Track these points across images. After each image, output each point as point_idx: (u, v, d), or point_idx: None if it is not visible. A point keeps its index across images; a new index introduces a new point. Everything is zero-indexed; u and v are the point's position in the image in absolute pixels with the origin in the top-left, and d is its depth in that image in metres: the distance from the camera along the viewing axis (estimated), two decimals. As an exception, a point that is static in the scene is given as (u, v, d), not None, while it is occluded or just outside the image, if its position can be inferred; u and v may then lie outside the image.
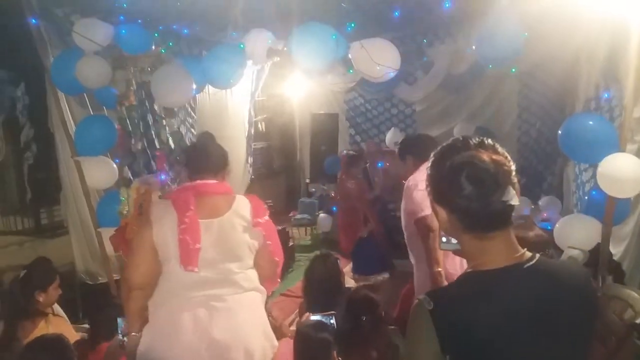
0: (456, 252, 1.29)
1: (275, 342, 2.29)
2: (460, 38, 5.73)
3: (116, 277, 4.42)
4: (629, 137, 3.11)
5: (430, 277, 2.97)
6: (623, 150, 2.87)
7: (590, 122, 2.99)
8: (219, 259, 2.11)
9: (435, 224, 2.81)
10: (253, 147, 7.33)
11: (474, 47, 3.50)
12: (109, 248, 3.94)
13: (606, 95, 3.80)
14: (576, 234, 3.06)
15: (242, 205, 2.22)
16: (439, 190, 1.22)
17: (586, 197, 4.25)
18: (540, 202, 5.70)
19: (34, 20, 3.60)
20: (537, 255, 1.18)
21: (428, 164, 3.12)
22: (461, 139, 1.22)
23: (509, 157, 1.19)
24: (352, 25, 3.47)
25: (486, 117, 6.48)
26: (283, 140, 8.53)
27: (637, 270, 3.48)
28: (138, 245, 2.17)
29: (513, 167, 1.17)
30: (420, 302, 1.17)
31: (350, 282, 5.02)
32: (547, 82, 6.01)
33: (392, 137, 6.81)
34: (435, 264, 2.88)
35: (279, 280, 2.46)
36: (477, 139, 1.19)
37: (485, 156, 1.15)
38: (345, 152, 7.26)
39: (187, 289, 2.08)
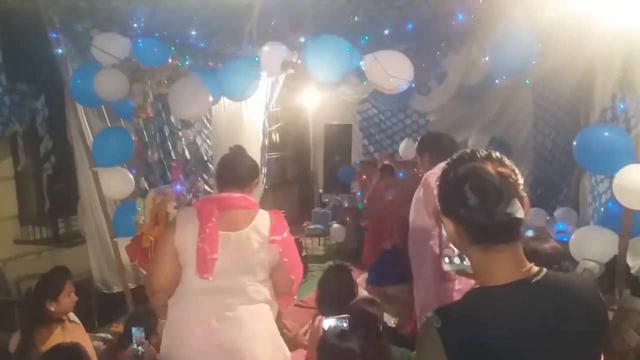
0: (459, 272, 1.31)
1: (288, 353, 2.33)
2: (474, 48, 5.74)
3: (131, 286, 4.48)
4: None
5: (437, 289, 2.96)
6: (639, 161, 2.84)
7: (606, 133, 2.97)
8: (233, 270, 2.19)
9: None
10: (267, 157, 7.39)
11: (487, 58, 3.50)
12: (125, 257, 3.99)
13: (622, 105, 3.77)
14: (592, 246, 3.03)
15: (262, 221, 2.26)
16: (446, 201, 1.23)
17: (602, 209, 4.22)
18: (555, 214, 5.64)
19: (54, 35, 3.69)
20: (545, 270, 1.18)
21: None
22: (469, 151, 1.23)
23: (516, 170, 1.19)
24: (366, 38, 3.51)
25: (501, 128, 6.46)
26: (297, 150, 8.57)
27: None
28: (161, 248, 2.29)
29: (520, 180, 1.18)
30: (429, 320, 1.17)
31: (363, 293, 5.02)
32: (562, 93, 5.98)
33: (405, 148, 6.81)
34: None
35: (295, 297, 2.48)
36: (484, 152, 1.21)
37: (490, 168, 1.16)
38: (359, 161, 7.32)
39: (200, 295, 2.18)
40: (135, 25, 3.77)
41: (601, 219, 3.19)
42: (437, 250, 3.14)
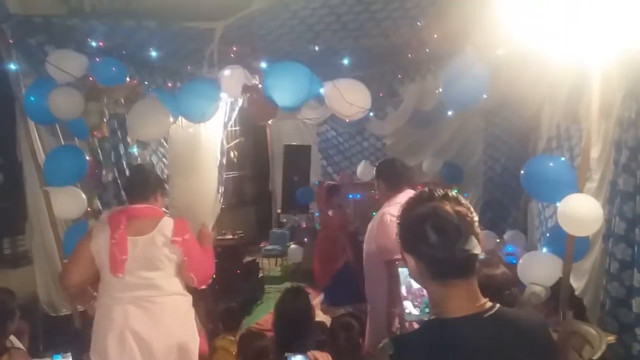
0: (419, 323, 1.38)
1: (197, 339, 2.78)
2: (428, 77, 5.95)
3: (80, 309, 4.33)
4: (587, 176, 3.27)
5: (389, 316, 3.02)
6: (581, 190, 3.01)
7: (551, 164, 3.13)
8: (142, 268, 2.63)
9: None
10: (225, 176, 7.33)
11: (441, 89, 3.65)
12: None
13: (567, 139, 4.00)
14: (539, 270, 3.16)
15: (166, 226, 2.71)
16: (407, 239, 1.30)
17: (547, 234, 4.42)
18: (505, 236, 5.86)
19: (6, 49, 3.58)
20: (497, 306, 1.26)
21: (405, 195, 3.22)
22: (427, 191, 1.31)
23: (471, 209, 1.28)
24: (326, 66, 3.59)
25: (453, 152, 6.68)
26: (255, 170, 8.56)
27: (596, 305, 3.61)
28: (77, 253, 2.72)
29: (475, 218, 1.26)
30: (383, 347, 1.23)
31: (319, 316, 5.02)
32: (512, 120, 6.26)
33: (363, 170, 6.93)
34: (397, 305, 2.91)
35: (206, 284, 2.90)
36: (441, 191, 1.29)
37: (448, 207, 1.24)
38: (317, 182, 7.38)
39: (118, 291, 2.62)
40: (93, 42, 3.70)
41: (546, 244, 3.34)
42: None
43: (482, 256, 1.28)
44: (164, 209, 2.97)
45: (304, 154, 7.59)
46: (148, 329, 2.56)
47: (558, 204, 3.00)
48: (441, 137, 6.71)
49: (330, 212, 5.47)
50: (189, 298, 2.78)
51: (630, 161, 3.03)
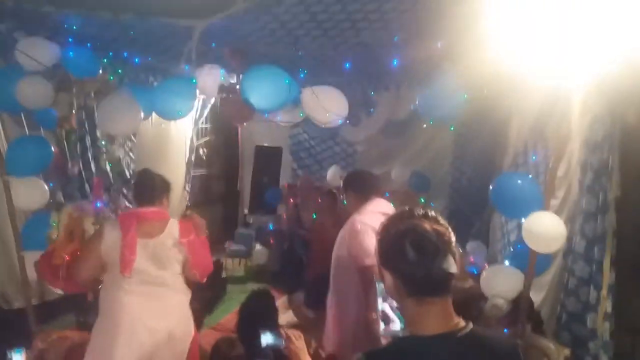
0: (394, 338, 1.40)
1: (193, 332, 3.05)
2: (402, 88, 6.05)
3: (35, 302, 4.19)
4: (552, 194, 3.39)
5: (365, 323, 3.04)
6: (547, 208, 3.12)
7: (519, 181, 3.23)
8: (152, 268, 2.84)
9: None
10: (192, 174, 7.24)
11: (417, 102, 3.71)
12: (32, 273, 3.74)
13: (533, 156, 4.12)
14: (500, 284, 3.25)
15: (173, 227, 2.94)
16: (385, 255, 1.32)
17: (511, 248, 4.55)
18: (467, 247, 5.98)
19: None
20: (470, 325, 1.29)
21: (374, 204, 3.24)
22: (407, 209, 1.35)
23: (449, 228, 1.31)
24: (305, 72, 3.59)
25: (422, 163, 6.76)
26: (224, 169, 8.46)
27: (552, 319, 3.74)
28: (88, 251, 2.93)
29: (453, 238, 1.29)
30: None
31: (285, 315, 5.01)
32: (480, 135, 6.38)
33: (333, 174, 6.95)
34: (374, 312, 2.95)
35: (203, 280, 3.13)
36: (421, 211, 1.33)
37: (427, 225, 1.27)
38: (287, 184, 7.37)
39: (128, 285, 2.81)
40: (66, 32, 3.59)
41: (510, 258, 3.44)
42: (361, 292, 3.23)
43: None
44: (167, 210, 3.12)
45: (274, 156, 7.55)
46: (156, 322, 2.81)
47: (523, 220, 3.09)
48: (411, 147, 6.79)
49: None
50: (188, 294, 3.05)
51: (594, 183, 3.15)
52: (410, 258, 1.23)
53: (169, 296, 2.91)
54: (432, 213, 1.33)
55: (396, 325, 1.49)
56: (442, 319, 1.27)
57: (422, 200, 6.14)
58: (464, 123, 6.11)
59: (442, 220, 1.32)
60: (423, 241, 1.24)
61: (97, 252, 2.83)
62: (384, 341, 2.48)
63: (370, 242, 3.05)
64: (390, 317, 1.50)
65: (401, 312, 1.37)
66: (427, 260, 1.23)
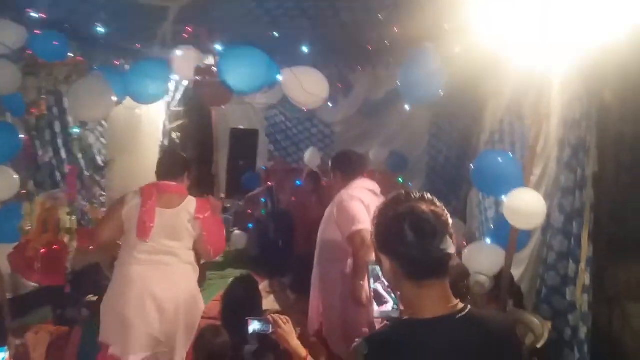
0: (387, 319, 1.39)
1: (202, 306, 3.14)
2: (379, 67, 6.01)
3: (9, 296, 4.07)
4: (531, 171, 3.43)
5: (354, 289, 3.08)
6: (527, 185, 3.16)
7: (499, 159, 3.26)
8: (165, 237, 2.98)
9: (368, 242, 2.93)
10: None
11: (398, 82, 3.68)
12: (4, 266, 3.63)
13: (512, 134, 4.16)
14: (482, 261, 3.30)
15: (190, 203, 3.07)
16: (383, 238, 1.31)
17: (491, 224, 4.62)
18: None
19: None
20: (468, 307, 1.30)
21: (360, 182, 3.24)
22: (404, 192, 1.33)
23: (445, 210, 1.31)
24: (280, 53, 3.51)
25: (399, 143, 6.77)
26: (199, 153, 8.31)
27: (532, 293, 3.82)
28: (109, 216, 3.13)
29: (450, 219, 1.29)
30: (357, 347, 1.26)
31: (268, 300, 5.00)
32: (456, 113, 6.43)
33: (310, 156, 6.91)
34: (362, 278, 2.98)
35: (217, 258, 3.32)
36: (418, 193, 1.32)
37: (425, 207, 1.26)
38: (264, 167, 7.30)
39: (140, 253, 2.95)
40: (33, 13, 3.42)
41: (490, 236, 3.49)
42: (347, 270, 3.26)
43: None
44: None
45: (250, 138, 7.46)
46: (162, 290, 2.92)
47: (504, 198, 3.13)
48: (389, 128, 6.78)
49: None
50: (196, 269, 3.16)
51: (572, 159, 3.20)
52: (409, 240, 1.22)
53: (176, 266, 3.02)
54: (428, 195, 1.32)
55: (389, 305, 1.47)
56: (440, 301, 1.27)
57: (400, 180, 6.18)
58: (441, 103, 6.14)
59: (438, 203, 1.31)
60: (421, 223, 1.23)
61: (118, 215, 3.00)
62: (377, 323, 2.51)
63: (358, 209, 3.14)
64: (383, 297, 1.49)
65: (399, 296, 1.35)
66: (426, 242, 1.23)
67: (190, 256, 3.10)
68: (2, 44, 3.21)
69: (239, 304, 3.09)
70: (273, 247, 6.19)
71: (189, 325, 3.04)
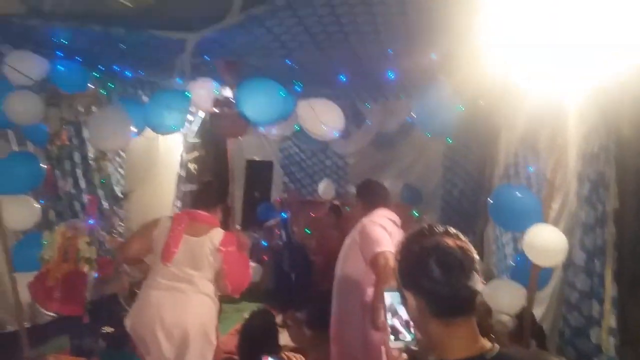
0: (405, 350, 1.34)
1: (214, 342, 3.15)
2: (392, 100, 6.05)
3: (27, 325, 4.06)
4: (550, 206, 3.36)
5: (373, 313, 3.06)
6: (546, 221, 3.09)
7: (517, 193, 3.20)
8: (186, 264, 3.06)
9: (389, 264, 2.94)
10: (183, 189, 7.13)
11: (413, 113, 3.69)
12: (24, 295, 3.63)
13: (529, 167, 4.10)
14: (503, 299, 3.19)
15: (216, 235, 3.15)
16: (408, 274, 1.27)
17: (509, 261, 4.52)
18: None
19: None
20: (497, 346, 1.24)
21: (382, 211, 3.19)
22: (427, 226, 1.30)
23: (471, 245, 1.26)
24: (300, 84, 3.55)
25: (413, 175, 6.76)
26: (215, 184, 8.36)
27: (554, 333, 3.69)
28: (140, 234, 3.25)
29: (476, 255, 1.24)
30: None
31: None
32: (470, 146, 6.41)
33: (324, 188, 6.91)
34: (382, 300, 2.90)
35: (239, 293, 3.29)
36: (441, 227, 1.28)
37: (451, 242, 1.22)
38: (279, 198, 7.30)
39: (160, 277, 3.07)
40: (55, 46, 3.52)
41: (510, 273, 3.40)
42: (368, 300, 3.21)
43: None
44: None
45: (266, 170, 7.49)
46: (172, 317, 2.99)
47: (523, 233, 3.06)
48: (402, 160, 6.78)
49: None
50: (214, 301, 3.18)
51: (592, 194, 3.13)
52: (436, 276, 1.18)
53: (191, 295, 3.05)
54: (452, 230, 1.28)
55: (406, 336, 1.41)
56: (468, 340, 1.23)
57: (415, 214, 6.11)
58: (454, 135, 6.13)
59: (463, 237, 1.27)
60: (448, 258, 1.19)
61: (149, 234, 3.14)
62: (395, 354, 2.43)
63: (381, 233, 3.14)
64: (399, 331, 1.43)
65: (422, 334, 1.30)
66: (454, 279, 1.19)
67: (209, 287, 3.11)
68: (25, 76, 3.29)
69: (256, 339, 3.04)
70: (287, 280, 6.13)
71: (197, 355, 3.04)
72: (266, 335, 2.89)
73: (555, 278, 3.65)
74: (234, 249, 3.13)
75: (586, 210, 3.19)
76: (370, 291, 3.20)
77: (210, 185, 3.57)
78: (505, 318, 3.01)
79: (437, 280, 1.18)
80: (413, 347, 1.37)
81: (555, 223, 3.64)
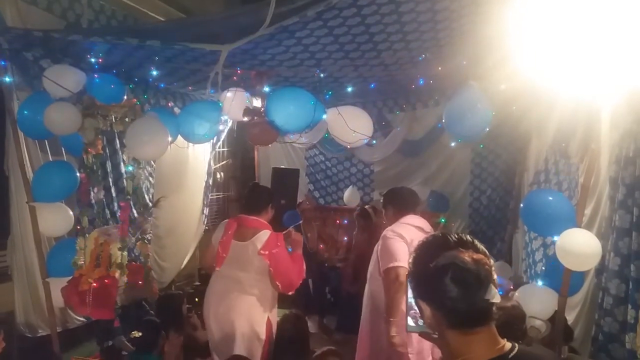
0: (422, 335, 1.34)
1: (263, 337, 3.31)
2: (419, 106, 6.05)
3: (59, 329, 4.16)
4: (584, 210, 3.33)
5: (386, 328, 3.09)
6: (580, 225, 3.06)
7: (550, 198, 3.18)
8: (235, 267, 3.32)
9: (399, 281, 3.03)
10: (210, 197, 7.25)
11: (444, 119, 3.69)
12: (57, 300, 3.73)
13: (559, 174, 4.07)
14: (535, 304, 3.17)
15: (261, 238, 3.29)
16: (424, 289, 1.26)
17: (539, 267, 4.47)
18: (491, 267, 5.87)
19: (2, 62, 3.52)
20: (517, 346, 1.24)
21: (409, 218, 3.21)
22: (440, 236, 1.28)
23: (487, 254, 1.25)
24: (330, 93, 3.60)
25: (440, 182, 6.72)
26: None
27: (587, 339, 3.64)
28: (210, 242, 3.59)
29: (492, 263, 1.24)
30: None
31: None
32: (498, 153, 6.36)
33: (350, 195, 6.92)
34: (394, 314, 3.03)
35: (293, 290, 3.42)
36: (455, 236, 1.25)
37: (466, 256, 1.20)
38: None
39: (217, 277, 3.46)
40: (92, 59, 3.64)
41: (542, 277, 3.37)
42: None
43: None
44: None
45: (292, 177, 7.52)
46: (222, 313, 3.32)
47: (556, 238, 3.03)
48: (429, 167, 6.74)
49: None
50: (264, 301, 3.36)
51: (627, 198, 3.10)
52: (453, 294, 1.17)
53: (238, 295, 3.30)
54: (467, 237, 1.25)
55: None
56: (488, 344, 1.22)
57: (443, 221, 6.08)
58: (482, 141, 6.09)
59: (478, 245, 1.25)
60: (464, 275, 1.17)
61: (211, 244, 3.49)
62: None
63: (397, 246, 3.19)
64: (417, 316, 1.42)
65: (443, 344, 1.29)
66: (470, 294, 1.17)
67: (257, 288, 3.32)
68: (64, 88, 3.41)
69: (290, 339, 3.09)
70: (305, 286, 6.17)
71: (246, 348, 3.27)
72: (299, 339, 2.92)
73: (588, 283, 3.61)
74: (279, 249, 3.25)
75: (620, 214, 3.16)
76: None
77: (254, 189, 3.69)
78: (539, 323, 2.98)
79: (454, 298, 1.17)
80: (429, 332, 1.35)
81: (588, 227, 3.60)
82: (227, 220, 3.54)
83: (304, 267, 3.50)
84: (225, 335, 3.31)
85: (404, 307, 1.47)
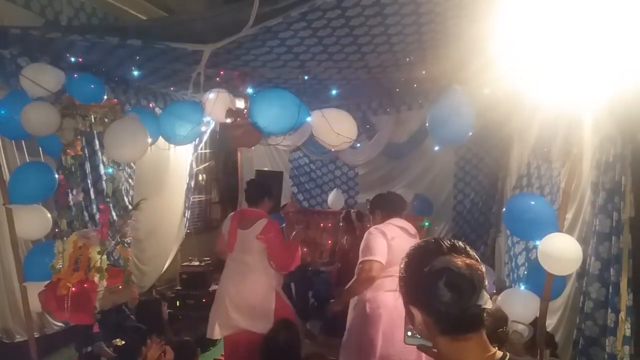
0: (420, 348, 1.32)
1: (272, 300, 3.90)
2: (403, 109, 6.06)
3: (37, 335, 4.06)
4: (565, 215, 3.35)
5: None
6: (561, 230, 3.08)
7: (532, 202, 3.20)
8: (242, 251, 3.93)
9: (369, 275, 3.25)
10: (192, 199, 7.16)
11: (427, 123, 3.69)
12: (35, 304, 3.63)
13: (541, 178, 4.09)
14: (517, 308, 3.19)
15: (259, 225, 3.89)
16: (416, 294, 1.24)
17: (521, 271, 4.49)
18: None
19: (-23, 59, 3.42)
20: (508, 355, 1.23)
21: (395, 220, 3.21)
22: (433, 241, 1.27)
23: (479, 260, 1.25)
24: (307, 96, 3.57)
25: (424, 185, 6.74)
26: (223, 195, 8.40)
27: (568, 343, 3.67)
28: (220, 232, 4.15)
29: (484, 269, 1.23)
30: None
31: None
32: (481, 156, 6.41)
33: (334, 198, 6.91)
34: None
35: (286, 271, 4.06)
36: (448, 242, 1.25)
37: (459, 261, 1.19)
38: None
39: (230, 260, 4.04)
40: (72, 58, 3.56)
41: (524, 282, 3.38)
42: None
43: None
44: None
45: (275, 180, 7.47)
46: (236, 292, 3.90)
47: (538, 243, 3.05)
48: (413, 170, 6.76)
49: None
50: (270, 276, 3.93)
51: (607, 203, 3.13)
52: (446, 299, 1.16)
53: (248, 274, 3.89)
54: (460, 244, 1.25)
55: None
56: (478, 351, 1.21)
57: (427, 224, 6.10)
58: (465, 145, 6.13)
59: (470, 250, 1.24)
60: (458, 280, 1.16)
61: (222, 233, 4.09)
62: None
63: (378, 242, 3.34)
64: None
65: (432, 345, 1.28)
66: (464, 301, 1.16)
67: (262, 266, 3.90)
68: (42, 87, 3.32)
69: (281, 347, 3.05)
70: (287, 290, 6.14)
71: (262, 314, 3.81)
72: (290, 346, 2.89)
73: (569, 287, 3.64)
74: (275, 235, 3.84)
75: (601, 219, 3.19)
76: (370, 297, 3.38)
77: (252, 184, 4.26)
78: (522, 327, 2.99)
79: (447, 303, 1.16)
80: (428, 345, 1.34)
81: (570, 232, 3.63)
82: (232, 212, 4.21)
83: (299, 254, 4.07)
84: (243, 310, 3.85)
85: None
